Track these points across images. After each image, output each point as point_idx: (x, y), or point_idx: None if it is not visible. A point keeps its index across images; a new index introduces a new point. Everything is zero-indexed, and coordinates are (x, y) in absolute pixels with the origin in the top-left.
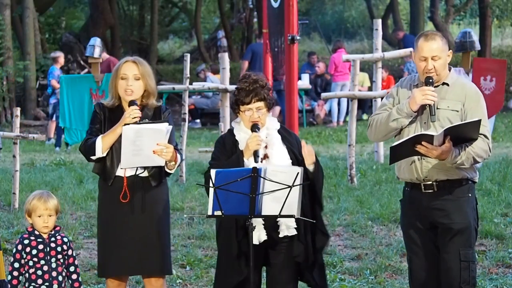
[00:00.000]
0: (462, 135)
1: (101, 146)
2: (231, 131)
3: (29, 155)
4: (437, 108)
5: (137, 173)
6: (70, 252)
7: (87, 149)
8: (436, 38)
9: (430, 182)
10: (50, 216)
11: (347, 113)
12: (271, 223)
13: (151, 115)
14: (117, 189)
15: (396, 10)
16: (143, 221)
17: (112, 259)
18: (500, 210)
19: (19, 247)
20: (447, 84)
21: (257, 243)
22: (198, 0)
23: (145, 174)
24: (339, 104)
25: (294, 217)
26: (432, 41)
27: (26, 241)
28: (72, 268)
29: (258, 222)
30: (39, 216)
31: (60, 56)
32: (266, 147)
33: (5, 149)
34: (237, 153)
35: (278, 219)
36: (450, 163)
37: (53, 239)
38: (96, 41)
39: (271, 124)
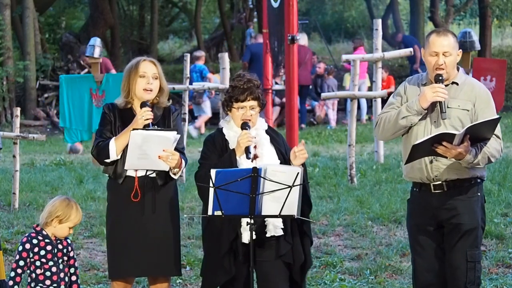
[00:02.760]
0: (479, 134)
1: (115, 149)
2: (220, 130)
3: (29, 155)
4: (448, 107)
5: (147, 174)
6: (71, 253)
7: (101, 152)
8: (448, 35)
9: (440, 182)
10: None
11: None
12: (259, 223)
13: (160, 115)
14: (128, 189)
15: (396, 10)
16: (154, 221)
17: (123, 261)
18: (500, 210)
19: (27, 246)
20: (457, 84)
21: (247, 241)
22: (198, 0)
23: (154, 174)
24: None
25: (294, 217)
26: (444, 37)
27: (34, 241)
28: (72, 270)
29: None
30: (70, 227)
31: (203, 56)
32: (255, 147)
33: (5, 149)
34: (229, 152)
35: (266, 218)
36: (467, 163)
37: (59, 240)
38: (96, 41)
39: (259, 124)
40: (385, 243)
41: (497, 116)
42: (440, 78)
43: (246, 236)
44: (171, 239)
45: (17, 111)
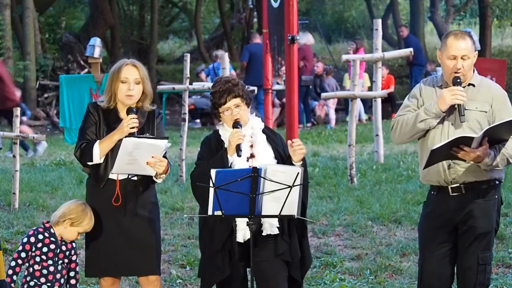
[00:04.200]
0: (497, 136)
1: (99, 153)
2: (216, 131)
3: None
4: (465, 109)
5: (129, 176)
6: (74, 257)
7: (84, 154)
8: (465, 38)
9: (458, 185)
10: None
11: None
12: (255, 222)
13: (145, 120)
14: (109, 192)
15: (396, 10)
16: (134, 223)
17: (101, 261)
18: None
19: (32, 239)
20: (473, 85)
21: (242, 241)
22: (198, 0)
23: (136, 177)
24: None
25: (294, 217)
26: (462, 40)
27: (40, 236)
28: (72, 273)
29: (242, 221)
30: (80, 232)
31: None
32: (251, 146)
33: (5, 149)
34: (221, 151)
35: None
36: (486, 165)
37: (64, 242)
38: (96, 41)
39: (255, 123)
40: (385, 243)
41: None
42: (458, 80)
43: (240, 235)
44: (151, 239)
45: (17, 111)
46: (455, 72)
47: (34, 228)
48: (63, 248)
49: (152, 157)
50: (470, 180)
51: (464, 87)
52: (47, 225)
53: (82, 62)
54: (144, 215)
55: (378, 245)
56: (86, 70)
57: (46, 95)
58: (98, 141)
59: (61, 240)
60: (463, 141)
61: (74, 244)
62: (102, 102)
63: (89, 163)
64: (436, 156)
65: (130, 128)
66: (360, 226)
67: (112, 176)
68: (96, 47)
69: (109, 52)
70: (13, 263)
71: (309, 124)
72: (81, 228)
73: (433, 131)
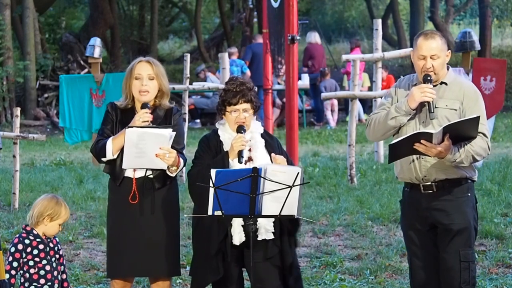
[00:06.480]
0: (461, 133)
1: (111, 148)
2: (215, 131)
3: (29, 155)
4: (435, 107)
5: (146, 174)
6: (61, 252)
7: (98, 151)
8: (435, 37)
9: (429, 183)
10: None
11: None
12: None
13: (162, 116)
14: (127, 190)
15: (396, 10)
16: (152, 222)
17: (121, 261)
18: (500, 210)
19: (20, 246)
20: (445, 83)
21: (238, 243)
22: (198, 0)
23: (152, 175)
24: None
25: (294, 217)
26: (431, 40)
27: (26, 241)
28: (61, 268)
29: (238, 223)
30: (60, 224)
31: (236, 51)
32: (250, 150)
33: (5, 149)
34: (222, 154)
35: (258, 221)
36: (449, 161)
37: (49, 239)
38: (96, 41)
39: (255, 127)
40: (385, 243)
41: (476, 115)
42: (429, 78)
43: (236, 238)
44: (170, 239)
45: (17, 111)
46: (425, 72)
47: (17, 235)
48: (51, 245)
49: (160, 148)
50: (441, 177)
51: (435, 85)
52: (28, 228)
53: (82, 62)
54: (162, 214)
55: (378, 245)
56: (86, 70)
57: (46, 95)
58: (111, 137)
59: (46, 237)
60: (424, 137)
61: (57, 239)
62: (119, 101)
63: (103, 159)
64: (397, 151)
65: (142, 121)
66: (360, 226)
67: (128, 174)
68: (96, 47)
69: (109, 52)
70: (7, 276)
71: (319, 123)
72: (61, 220)
73: (404, 128)
